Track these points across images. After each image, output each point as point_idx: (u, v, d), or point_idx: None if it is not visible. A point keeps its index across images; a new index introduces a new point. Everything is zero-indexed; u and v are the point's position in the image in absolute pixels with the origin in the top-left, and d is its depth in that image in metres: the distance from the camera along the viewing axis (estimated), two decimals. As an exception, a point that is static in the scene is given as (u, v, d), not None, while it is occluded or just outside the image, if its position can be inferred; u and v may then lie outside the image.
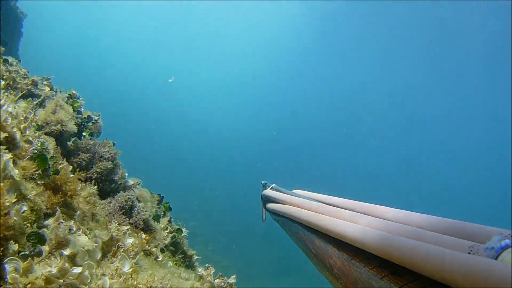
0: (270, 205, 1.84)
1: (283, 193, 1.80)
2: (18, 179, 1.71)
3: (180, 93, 38.63)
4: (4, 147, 1.69)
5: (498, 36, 19.44)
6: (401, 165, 33.08)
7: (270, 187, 2.00)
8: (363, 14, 23.67)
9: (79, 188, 2.00)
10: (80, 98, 2.81)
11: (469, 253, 0.67)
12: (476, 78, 26.09)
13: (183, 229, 3.36)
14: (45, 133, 2.35)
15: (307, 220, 1.30)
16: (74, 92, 2.77)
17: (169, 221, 3.29)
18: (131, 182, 2.95)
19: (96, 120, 2.88)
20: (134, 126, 28.14)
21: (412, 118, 34.07)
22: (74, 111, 2.70)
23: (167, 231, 3.21)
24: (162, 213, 3.26)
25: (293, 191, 1.79)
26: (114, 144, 2.92)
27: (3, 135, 1.79)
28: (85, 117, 2.75)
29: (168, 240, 3.14)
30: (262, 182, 2.14)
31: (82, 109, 2.75)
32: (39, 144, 1.78)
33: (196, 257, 3.49)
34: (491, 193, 29.65)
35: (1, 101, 2.01)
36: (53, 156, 1.81)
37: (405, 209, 1.05)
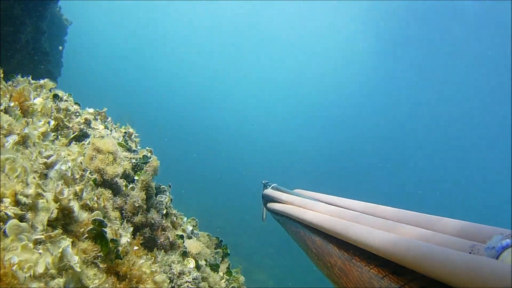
0: (271, 205, 1.80)
1: (284, 192, 1.76)
2: (79, 270, 1.36)
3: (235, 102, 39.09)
4: (60, 231, 1.35)
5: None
6: (402, 165, 33.06)
7: (271, 186, 1.97)
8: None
9: (142, 265, 1.64)
10: (136, 135, 2.48)
11: (470, 252, 0.65)
12: (476, 78, 25.64)
13: (241, 277, 2.97)
14: (96, 184, 2.02)
15: (309, 220, 1.26)
16: (131, 130, 2.43)
17: (228, 268, 2.91)
18: (190, 227, 2.59)
19: (149, 158, 2.53)
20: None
21: (418, 118, 33.59)
22: (129, 151, 2.36)
23: (224, 280, 2.83)
24: (220, 259, 2.88)
25: (293, 190, 1.77)
26: (170, 186, 2.57)
27: (54, 205, 1.44)
28: (140, 157, 2.41)
29: (227, 292, 2.77)
30: (263, 182, 2.11)
31: (138, 147, 2.41)
32: (96, 224, 1.42)
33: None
34: (491, 193, 29.77)
35: (53, 157, 1.68)
36: (113, 239, 1.45)
37: (405, 208, 1.02)
